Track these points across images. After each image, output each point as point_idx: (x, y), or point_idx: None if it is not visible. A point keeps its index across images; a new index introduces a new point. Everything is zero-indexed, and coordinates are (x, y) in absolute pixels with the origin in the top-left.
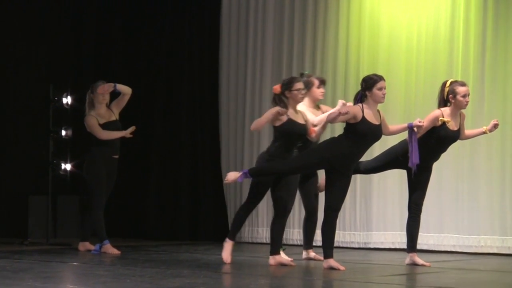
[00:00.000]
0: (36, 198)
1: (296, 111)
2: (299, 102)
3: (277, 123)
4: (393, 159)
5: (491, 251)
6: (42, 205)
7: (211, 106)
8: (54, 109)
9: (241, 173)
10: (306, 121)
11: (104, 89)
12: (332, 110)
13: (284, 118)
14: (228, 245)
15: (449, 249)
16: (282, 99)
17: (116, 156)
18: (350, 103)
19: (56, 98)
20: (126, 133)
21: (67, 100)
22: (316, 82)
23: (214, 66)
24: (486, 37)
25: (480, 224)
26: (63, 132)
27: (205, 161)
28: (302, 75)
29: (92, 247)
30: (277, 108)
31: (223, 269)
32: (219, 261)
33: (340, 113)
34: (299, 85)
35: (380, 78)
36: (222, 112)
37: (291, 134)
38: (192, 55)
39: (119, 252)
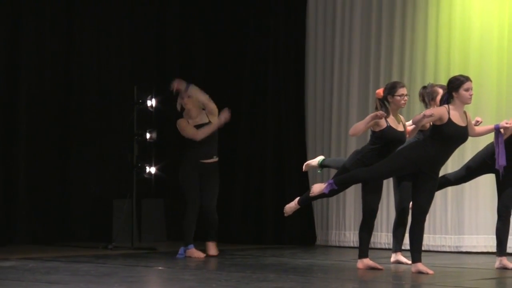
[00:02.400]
0: (121, 201)
1: (397, 118)
2: (401, 107)
3: (376, 128)
4: (481, 164)
5: None
6: (127, 209)
7: (297, 109)
8: (139, 112)
9: (326, 184)
10: (405, 127)
11: (174, 84)
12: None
13: (383, 123)
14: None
15: None
16: (385, 104)
17: (210, 160)
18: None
19: (140, 101)
20: (220, 122)
21: (151, 102)
22: (441, 91)
23: (300, 69)
24: None
25: None
26: (148, 135)
27: (291, 164)
28: (425, 87)
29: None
30: (376, 112)
31: (311, 273)
32: (306, 265)
33: (424, 115)
34: (403, 90)
35: (467, 79)
36: (309, 115)
37: (389, 141)
38: (278, 58)
39: (203, 255)
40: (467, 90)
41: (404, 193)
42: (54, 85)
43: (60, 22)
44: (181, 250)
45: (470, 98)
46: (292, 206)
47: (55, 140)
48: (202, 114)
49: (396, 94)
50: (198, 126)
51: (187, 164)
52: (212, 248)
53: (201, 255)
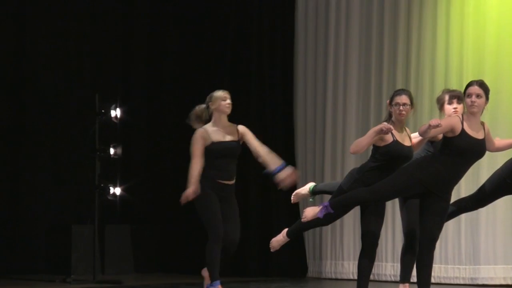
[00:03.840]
0: (81, 227)
1: (401, 130)
2: (399, 119)
3: (381, 143)
4: (500, 184)
5: None
6: (87, 236)
7: (285, 122)
8: (101, 124)
9: (320, 207)
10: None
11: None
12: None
13: (389, 138)
14: None
15: None
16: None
17: (228, 182)
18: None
19: (103, 111)
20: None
21: (115, 112)
22: (446, 98)
23: (289, 75)
24: None
25: None
26: (112, 151)
27: (277, 192)
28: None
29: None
30: (381, 125)
31: None
32: None
33: (430, 126)
34: (399, 99)
35: (471, 83)
36: (298, 128)
37: (394, 158)
38: (262, 60)
39: None
40: (469, 96)
41: (412, 213)
42: (2, 93)
43: (11, 23)
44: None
45: (472, 106)
46: (280, 239)
47: (3, 156)
48: (231, 128)
49: (393, 103)
50: (216, 144)
51: (202, 185)
52: None
53: None
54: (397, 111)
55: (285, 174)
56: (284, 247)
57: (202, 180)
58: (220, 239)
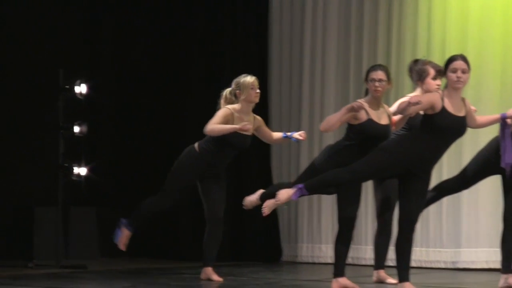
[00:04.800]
0: (44, 210)
1: (378, 108)
2: (375, 95)
3: (355, 122)
4: (484, 165)
5: None
6: (51, 219)
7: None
8: (65, 100)
9: (295, 189)
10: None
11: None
12: (401, 100)
13: (363, 116)
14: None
15: None
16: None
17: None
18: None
19: (67, 87)
20: (238, 127)
21: (80, 88)
22: (432, 72)
23: (263, 49)
24: None
25: None
26: (76, 128)
27: (252, 169)
28: (416, 61)
29: (215, 275)
30: (353, 103)
31: None
32: (269, 285)
33: (410, 103)
34: (375, 74)
35: (456, 57)
36: (273, 110)
37: (369, 137)
38: (236, 44)
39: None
40: (454, 71)
41: (386, 194)
42: None
43: None
44: None
45: (458, 82)
46: (253, 200)
47: None
48: (253, 120)
49: (368, 79)
50: (234, 135)
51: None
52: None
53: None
54: (373, 88)
55: (298, 133)
56: (257, 228)
57: (200, 153)
58: (162, 207)
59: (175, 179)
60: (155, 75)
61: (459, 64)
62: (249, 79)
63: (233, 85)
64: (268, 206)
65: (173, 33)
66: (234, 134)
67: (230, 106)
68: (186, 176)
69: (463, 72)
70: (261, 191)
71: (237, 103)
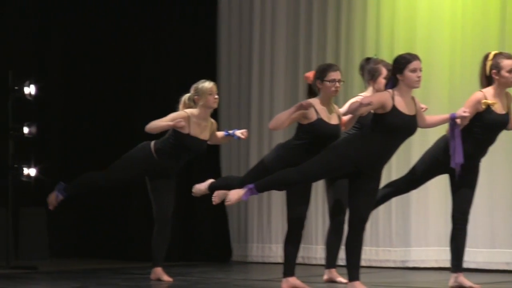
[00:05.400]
0: None
1: (329, 108)
2: (332, 96)
3: (304, 121)
4: (433, 164)
5: None
6: (0, 220)
7: None
8: (14, 101)
9: (245, 189)
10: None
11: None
12: (353, 100)
13: (313, 115)
14: None
15: (502, 267)
16: (314, 91)
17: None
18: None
19: (16, 87)
20: (173, 124)
21: (30, 89)
22: (384, 71)
23: (211, 49)
24: None
25: None
26: (26, 129)
27: (201, 167)
28: (368, 60)
29: (165, 276)
30: (302, 102)
31: None
32: (219, 286)
33: (361, 104)
34: (334, 75)
35: (414, 57)
36: (222, 111)
37: (319, 137)
38: (184, 45)
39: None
40: (414, 71)
41: (339, 194)
42: None
43: None
44: None
45: (418, 81)
46: (201, 188)
47: None
48: (206, 125)
49: (326, 79)
50: (191, 137)
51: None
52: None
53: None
54: (332, 88)
55: (240, 131)
56: (207, 228)
57: (156, 154)
58: (99, 186)
59: (120, 169)
60: (104, 75)
61: (418, 64)
62: (207, 84)
63: (191, 91)
64: (218, 196)
65: (121, 34)
66: (191, 139)
67: (188, 111)
68: (131, 171)
69: (421, 71)
70: (210, 180)
71: (196, 108)
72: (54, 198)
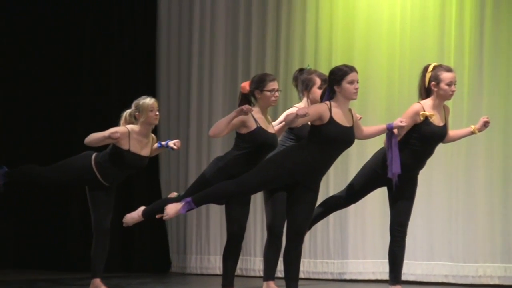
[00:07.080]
0: None
1: (266, 117)
2: (271, 105)
3: (244, 130)
4: (371, 178)
5: (491, 282)
6: None
7: None
8: None
9: (183, 203)
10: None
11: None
12: (289, 111)
13: (253, 124)
14: None
15: (440, 280)
16: (251, 101)
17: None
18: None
19: None
20: (108, 134)
21: None
22: (318, 81)
23: (151, 58)
24: (484, 18)
25: (478, 249)
26: None
27: (141, 180)
28: (301, 70)
29: (104, 287)
30: (242, 106)
31: None
32: None
33: (298, 115)
34: (273, 84)
35: (351, 69)
36: (161, 124)
37: (259, 146)
38: (123, 46)
39: None
40: (351, 82)
41: (276, 206)
42: None
43: None
44: None
45: (356, 93)
46: (134, 217)
47: None
48: (148, 142)
49: (265, 89)
50: (132, 153)
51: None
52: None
53: None
54: (272, 97)
55: (172, 142)
56: (146, 240)
57: (95, 166)
58: (37, 181)
59: (58, 169)
60: (42, 90)
61: (355, 75)
62: (148, 101)
63: (132, 107)
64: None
65: (62, 36)
66: (131, 155)
67: (129, 126)
68: (67, 175)
69: (358, 83)
70: (142, 207)
71: (136, 124)
72: None
